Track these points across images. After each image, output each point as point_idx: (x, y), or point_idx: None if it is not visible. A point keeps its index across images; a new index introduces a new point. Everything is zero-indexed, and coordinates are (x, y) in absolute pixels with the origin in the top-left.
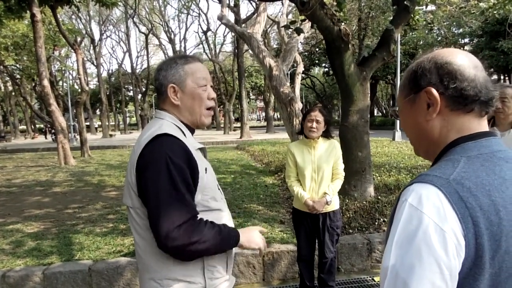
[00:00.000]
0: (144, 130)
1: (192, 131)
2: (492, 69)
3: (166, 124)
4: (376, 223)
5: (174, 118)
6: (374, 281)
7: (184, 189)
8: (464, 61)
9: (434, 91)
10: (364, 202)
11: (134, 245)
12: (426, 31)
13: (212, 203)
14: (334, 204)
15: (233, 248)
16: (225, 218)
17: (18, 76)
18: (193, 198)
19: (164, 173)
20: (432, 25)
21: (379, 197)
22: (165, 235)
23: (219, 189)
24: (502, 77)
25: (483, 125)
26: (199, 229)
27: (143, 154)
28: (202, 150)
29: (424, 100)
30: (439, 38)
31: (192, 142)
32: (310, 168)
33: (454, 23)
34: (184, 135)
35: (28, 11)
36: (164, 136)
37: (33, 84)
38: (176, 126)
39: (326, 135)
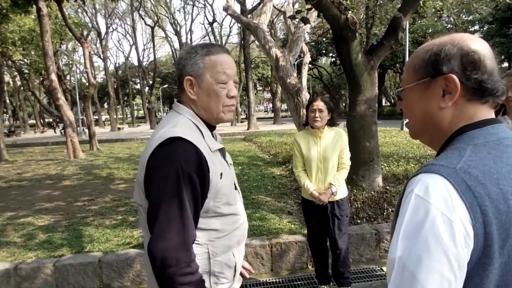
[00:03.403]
0: (160, 125)
1: (212, 128)
2: (503, 57)
3: (183, 122)
4: (385, 213)
5: (193, 114)
6: (383, 271)
7: (190, 205)
8: (487, 52)
9: (456, 79)
10: (373, 192)
11: (143, 240)
12: (435, 19)
13: (225, 209)
14: (341, 193)
15: (243, 252)
16: (239, 222)
17: (26, 71)
18: (198, 214)
19: (173, 183)
20: (441, 12)
21: (388, 187)
22: (162, 256)
23: (236, 188)
24: None
25: (491, 114)
26: (192, 259)
27: (154, 156)
28: (221, 150)
29: (440, 86)
30: (449, 25)
31: (211, 143)
32: (316, 158)
33: (464, 10)
34: (202, 134)
35: (34, 6)
36: (177, 141)
37: (41, 79)
38: (193, 124)
39: (332, 123)
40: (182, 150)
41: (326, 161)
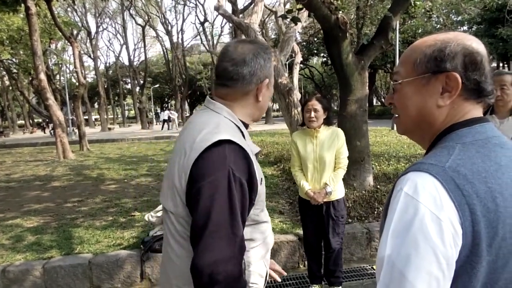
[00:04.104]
0: (195, 125)
1: (247, 126)
2: (491, 57)
3: (224, 123)
4: (375, 212)
5: (233, 115)
6: (374, 269)
7: (240, 214)
8: (485, 54)
9: (459, 78)
10: (363, 192)
11: (166, 247)
12: (425, 19)
13: (261, 216)
14: (338, 193)
15: (268, 265)
16: (269, 229)
17: (14, 70)
18: (245, 223)
19: (224, 190)
20: (431, 13)
21: (378, 186)
22: (210, 270)
23: None
24: (501, 65)
25: (480, 113)
26: (241, 274)
27: (201, 160)
28: (257, 153)
29: (440, 83)
30: (438, 26)
31: (251, 145)
32: (312, 158)
33: (453, 11)
34: (243, 136)
35: (22, 4)
36: (227, 143)
37: (30, 78)
38: (234, 125)
39: (328, 122)
40: (232, 154)
41: (322, 160)
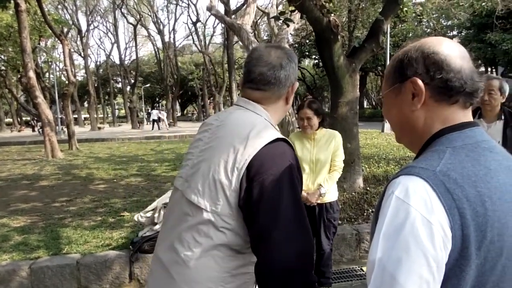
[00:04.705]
0: (236, 121)
1: None
2: (479, 61)
3: (268, 124)
4: (365, 214)
5: (269, 116)
6: (363, 271)
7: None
8: (451, 51)
9: (419, 81)
10: (353, 194)
11: (175, 248)
12: (416, 23)
13: None
14: (331, 196)
15: None
16: None
17: (3, 68)
18: None
19: (289, 183)
20: (421, 17)
21: (368, 188)
22: (284, 264)
23: None
24: (489, 69)
25: (467, 116)
26: (313, 266)
27: (262, 155)
28: None
29: (409, 90)
30: (428, 30)
31: None
32: (308, 159)
33: (443, 15)
34: None
35: (12, 1)
36: (283, 142)
37: (19, 76)
38: (273, 127)
39: (324, 125)
40: (290, 153)
41: (318, 162)
